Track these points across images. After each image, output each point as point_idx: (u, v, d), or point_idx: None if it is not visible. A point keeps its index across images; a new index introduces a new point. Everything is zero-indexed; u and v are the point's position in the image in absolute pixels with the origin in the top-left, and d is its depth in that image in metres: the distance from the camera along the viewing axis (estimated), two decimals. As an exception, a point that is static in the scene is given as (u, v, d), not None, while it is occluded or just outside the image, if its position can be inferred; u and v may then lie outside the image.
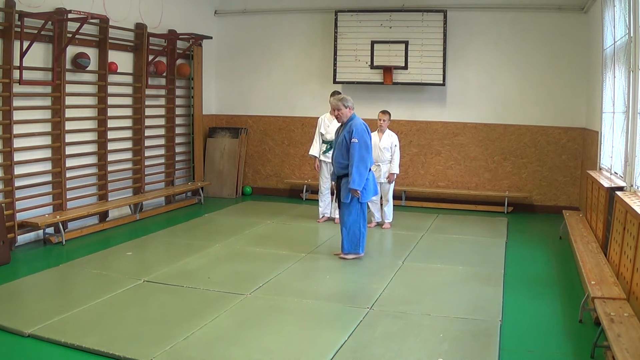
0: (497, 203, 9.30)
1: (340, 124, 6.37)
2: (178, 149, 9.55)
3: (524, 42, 9.12)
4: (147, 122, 8.59)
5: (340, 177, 6.27)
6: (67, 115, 7.09)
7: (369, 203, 7.20)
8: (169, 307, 4.78)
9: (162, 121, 9.15)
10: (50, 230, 6.93)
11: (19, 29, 6.27)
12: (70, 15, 6.51)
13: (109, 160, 7.85)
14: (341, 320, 4.56)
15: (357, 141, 6.03)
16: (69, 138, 7.18)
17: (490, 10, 9.21)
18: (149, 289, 5.22)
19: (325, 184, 8.09)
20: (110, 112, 7.82)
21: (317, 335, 4.28)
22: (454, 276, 5.74)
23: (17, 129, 6.45)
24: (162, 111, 9.15)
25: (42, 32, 6.50)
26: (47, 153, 6.98)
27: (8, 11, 6.20)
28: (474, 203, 9.39)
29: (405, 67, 9.30)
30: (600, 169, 7.34)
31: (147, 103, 8.54)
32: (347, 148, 6.10)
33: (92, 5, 7.34)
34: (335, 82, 9.66)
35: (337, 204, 6.60)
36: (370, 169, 6.20)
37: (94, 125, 7.69)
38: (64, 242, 6.77)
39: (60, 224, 6.76)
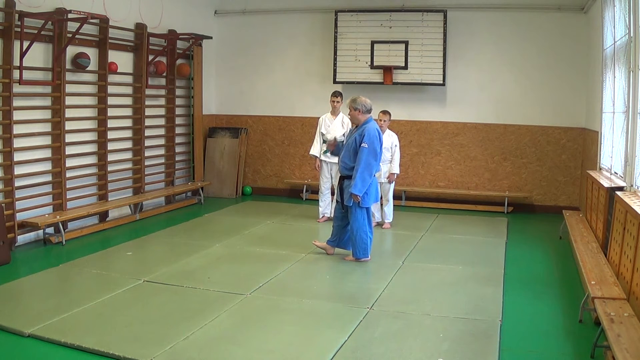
0: (497, 203, 9.30)
1: (354, 126, 6.31)
2: (178, 149, 9.54)
3: (524, 42, 9.12)
4: (147, 122, 8.58)
5: (343, 178, 6.26)
6: (67, 115, 7.09)
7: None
8: (169, 307, 4.78)
9: (162, 121, 9.15)
10: (50, 230, 6.93)
11: (19, 29, 6.26)
12: (70, 15, 6.52)
13: (109, 160, 7.85)
14: (341, 320, 4.56)
15: (366, 146, 5.94)
16: (69, 138, 7.18)
17: (490, 10, 9.21)
18: (149, 289, 5.22)
19: (326, 184, 8.09)
20: (110, 112, 7.82)
21: (317, 335, 4.28)
22: (454, 276, 5.74)
23: (17, 129, 6.45)
24: (162, 111, 9.15)
25: (42, 32, 6.49)
26: (47, 153, 6.98)
27: (8, 11, 6.20)
28: (473, 203, 9.39)
29: (405, 67, 9.30)
30: (600, 169, 7.34)
31: (147, 103, 8.54)
32: (356, 151, 6.03)
33: (92, 5, 7.34)
34: (335, 82, 9.66)
35: (335, 202, 6.57)
36: (374, 175, 6.15)
37: (94, 125, 7.69)
38: (64, 242, 6.77)
39: (60, 224, 6.76)
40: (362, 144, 5.97)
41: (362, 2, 9.63)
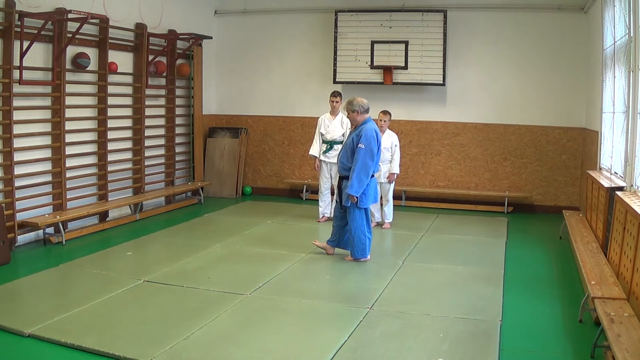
0: (497, 203, 9.30)
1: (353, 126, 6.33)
2: (178, 149, 9.54)
3: (524, 42, 9.12)
4: (147, 122, 8.58)
5: (342, 178, 6.26)
6: (67, 115, 7.09)
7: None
8: (169, 307, 4.78)
9: (162, 121, 9.15)
10: (50, 230, 6.93)
11: (19, 29, 6.26)
12: (70, 15, 6.52)
13: (109, 160, 7.85)
14: (341, 320, 4.56)
15: (363, 147, 5.94)
16: (69, 138, 7.18)
17: (490, 10, 9.21)
18: (149, 289, 5.22)
19: (325, 184, 8.09)
20: (110, 112, 7.82)
21: (317, 335, 4.28)
22: (454, 276, 5.74)
23: (17, 129, 6.45)
24: (162, 111, 9.15)
25: (42, 32, 6.49)
26: (47, 153, 6.98)
27: (8, 11, 6.20)
28: (474, 203, 9.39)
29: (405, 67, 9.30)
30: (600, 169, 7.34)
31: (147, 103, 8.54)
32: (353, 151, 6.04)
33: (92, 5, 7.34)
34: (335, 82, 9.66)
35: (335, 202, 6.59)
36: (373, 176, 6.14)
37: (94, 125, 7.69)
38: (64, 242, 6.77)
39: (60, 224, 6.76)
40: (359, 145, 5.97)
41: (362, 2, 9.63)
